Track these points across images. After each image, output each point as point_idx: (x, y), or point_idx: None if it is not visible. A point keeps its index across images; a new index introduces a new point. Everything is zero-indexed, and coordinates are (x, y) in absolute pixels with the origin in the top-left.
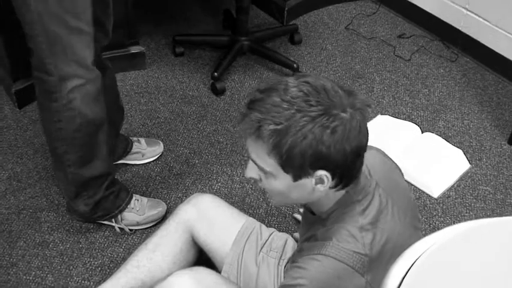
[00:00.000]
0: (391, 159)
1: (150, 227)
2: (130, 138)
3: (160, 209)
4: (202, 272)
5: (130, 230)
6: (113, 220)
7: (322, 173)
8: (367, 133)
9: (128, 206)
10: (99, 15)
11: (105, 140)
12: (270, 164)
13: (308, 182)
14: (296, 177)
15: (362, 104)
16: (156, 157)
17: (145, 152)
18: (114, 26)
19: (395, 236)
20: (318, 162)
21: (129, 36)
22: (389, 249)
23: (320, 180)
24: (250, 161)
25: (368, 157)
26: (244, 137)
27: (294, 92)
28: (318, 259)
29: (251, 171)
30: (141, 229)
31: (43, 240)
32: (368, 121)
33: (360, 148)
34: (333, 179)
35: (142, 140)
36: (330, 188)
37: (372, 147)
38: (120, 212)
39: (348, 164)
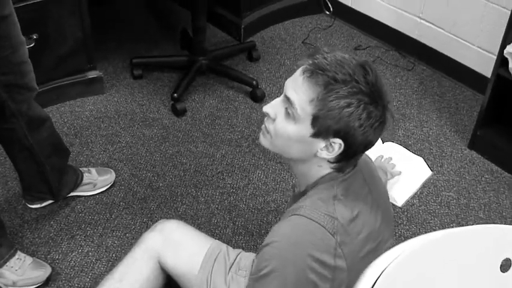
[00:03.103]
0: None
1: None
2: (81, 169)
3: (42, 272)
4: None
5: None
6: None
7: (338, 141)
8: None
9: (7, 264)
10: (5, 79)
11: None
12: (304, 109)
13: (318, 144)
14: (315, 134)
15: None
16: (108, 186)
17: (96, 182)
18: (71, 52)
19: (367, 216)
20: (342, 133)
21: (87, 61)
22: (359, 224)
23: (330, 147)
24: (277, 99)
25: None
26: (298, 71)
27: (355, 63)
28: (290, 219)
29: (272, 108)
30: None
31: None
32: None
33: (371, 143)
34: (340, 153)
35: (93, 170)
36: (329, 160)
37: None
38: None
39: (359, 149)
